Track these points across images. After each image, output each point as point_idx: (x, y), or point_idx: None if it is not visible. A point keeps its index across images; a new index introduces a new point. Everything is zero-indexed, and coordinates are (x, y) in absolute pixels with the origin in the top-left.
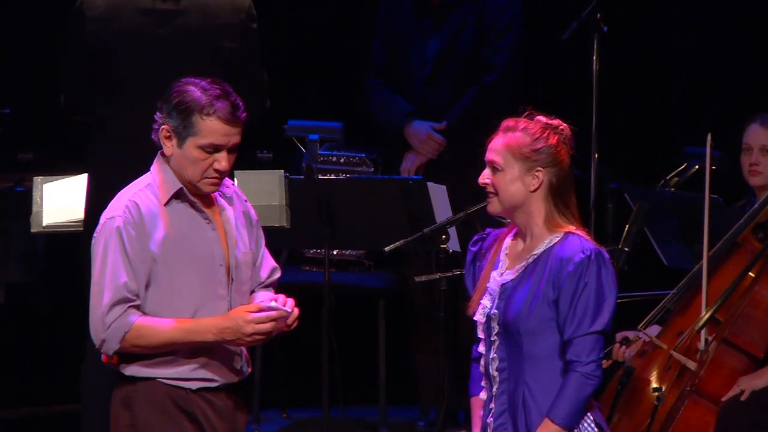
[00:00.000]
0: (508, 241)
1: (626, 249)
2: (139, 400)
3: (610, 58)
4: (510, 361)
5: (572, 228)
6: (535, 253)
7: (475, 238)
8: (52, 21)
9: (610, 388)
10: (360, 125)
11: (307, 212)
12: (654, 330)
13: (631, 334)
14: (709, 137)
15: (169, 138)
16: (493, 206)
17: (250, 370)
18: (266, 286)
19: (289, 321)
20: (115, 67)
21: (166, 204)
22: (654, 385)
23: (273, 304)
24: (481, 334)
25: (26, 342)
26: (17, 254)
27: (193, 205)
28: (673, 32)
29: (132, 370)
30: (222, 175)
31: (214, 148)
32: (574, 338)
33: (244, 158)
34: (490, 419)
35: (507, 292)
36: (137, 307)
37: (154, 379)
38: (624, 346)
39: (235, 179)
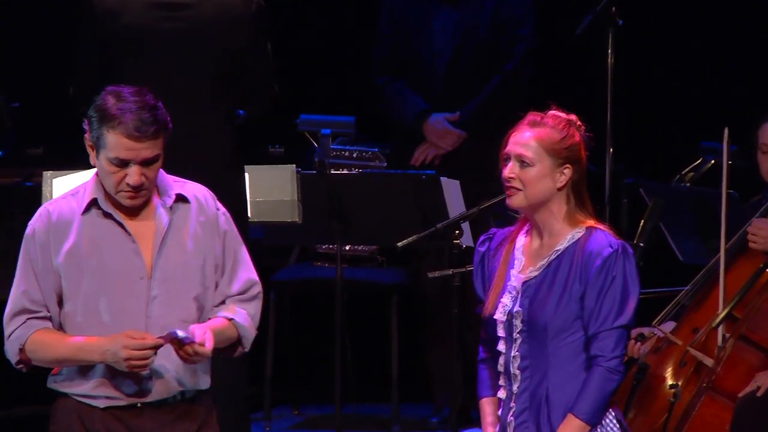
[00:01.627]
0: (521, 239)
1: (641, 244)
2: (54, 416)
3: (624, 52)
4: (533, 358)
5: (593, 222)
6: (557, 249)
7: (482, 238)
8: (61, 14)
9: (624, 385)
10: (372, 120)
11: (319, 207)
12: (669, 326)
13: (645, 331)
14: (725, 132)
15: (90, 148)
16: (518, 201)
17: (208, 383)
18: (243, 301)
19: (187, 351)
20: (125, 60)
21: (84, 213)
22: (670, 381)
23: (179, 333)
24: (501, 333)
25: None
26: None
27: (110, 216)
28: (688, 26)
29: (51, 383)
30: (137, 189)
31: (121, 162)
32: (599, 333)
33: (256, 153)
34: (510, 417)
35: (530, 289)
36: (46, 318)
37: (67, 395)
38: (639, 343)
39: (246, 174)
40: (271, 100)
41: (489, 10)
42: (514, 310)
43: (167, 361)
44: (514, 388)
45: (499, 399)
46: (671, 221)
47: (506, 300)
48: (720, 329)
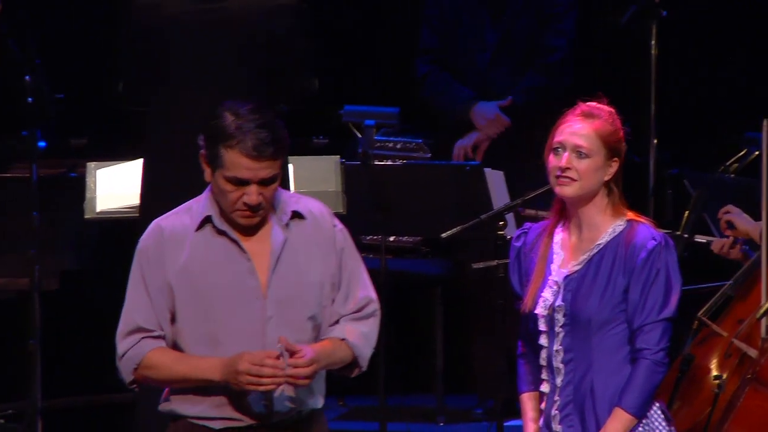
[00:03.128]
0: (558, 233)
1: (685, 235)
2: None
3: (668, 42)
4: (577, 351)
5: (633, 215)
6: (599, 242)
7: (517, 233)
8: (104, 4)
9: (669, 376)
10: (416, 111)
11: (363, 198)
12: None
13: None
14: (765, 123)
15: (206, 164)
16: (571, 191)
17: (322, 402)
18: (357, 319)
19: (288, 373)
20: (167, 53)
21: (197, 230)
22: (714, 373)
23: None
24: (542, 327)
25: (80, 330)
26: (71, 241)
27: (225, 234)
28: (733, 16)
29: (164, 406)
30: (253, 208)
31: (239, 182)
32: (644, 326)
33: (300, 144)
34: (555, 411)
35: (573, 283)
36: (159, 338)
37: (181, 416)
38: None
39: (291, 165)
40: (310, 95)
41: (532, 5)
42: (557, 304)
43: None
44: (558, 381)
45: (542, 393)
46: (715, 212)
47: (547, 294)
48: (763, 321)
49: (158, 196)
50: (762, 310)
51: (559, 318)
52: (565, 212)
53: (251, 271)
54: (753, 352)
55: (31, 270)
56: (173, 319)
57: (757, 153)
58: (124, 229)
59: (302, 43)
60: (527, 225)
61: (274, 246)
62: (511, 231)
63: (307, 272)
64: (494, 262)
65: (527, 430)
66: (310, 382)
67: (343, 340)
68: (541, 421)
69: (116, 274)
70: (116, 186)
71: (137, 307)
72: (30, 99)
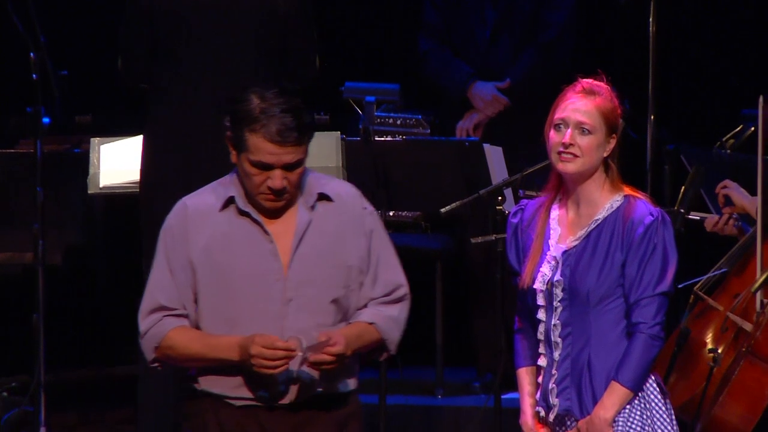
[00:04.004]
0: (556, 209)
1: (682, 210)
2: (189, 414)
3: (667, 19)
4: (574, 326)
5: (629, 191)
6: (597, 218)
7: (514, 209)
8: None
9: (666, 350)
10: (417, 87)
11: (363, 174)
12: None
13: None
14: (761, 100)
15: (231, 146)
16: (573, 167)
17: (349, 386)
18: (387, 303)
19: (310, 359)
20: (173, 30)
21: (221, 209)
22: (710, 346)
23: (304, 343)
24: (540, 302)
25: (84, 303)
26: (75, 216)
27: (247, 215)
28: None
29: (189, 384)
30: (277, 192)
31: (263, 166)
32: (641, 300)
33: None
34: (552, 384)
35: (571, 258)
36: (181, 316)
37: (203, 393)
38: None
39: None
40: (313, 75)
41: None
42: (555, 279)
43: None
44: (555, 355)
45: (540, 366)
46: (712, 187)
47: (545, 269)
48: (758, 295)
49: (157, 171)
50: (757, 285)
51: (558, 293)
52: (562, 188)
53: (273, 253)
54: (748, 326)
55: (35, 245)
56: (195, 299)
57: (753, 129)
58: (127, 204)
59: (307, 22)
60: (524, 202)
61: (298, 227)
62: (509, 206)
63: (332, 254)
64: (493, 237)
65: (524, 404)
66: (334, 367)
67: (371, 323)
68: (539, 394)
69: (119, 248)
70: (119, 161)
71: (160, 285)
72: (34, 76)
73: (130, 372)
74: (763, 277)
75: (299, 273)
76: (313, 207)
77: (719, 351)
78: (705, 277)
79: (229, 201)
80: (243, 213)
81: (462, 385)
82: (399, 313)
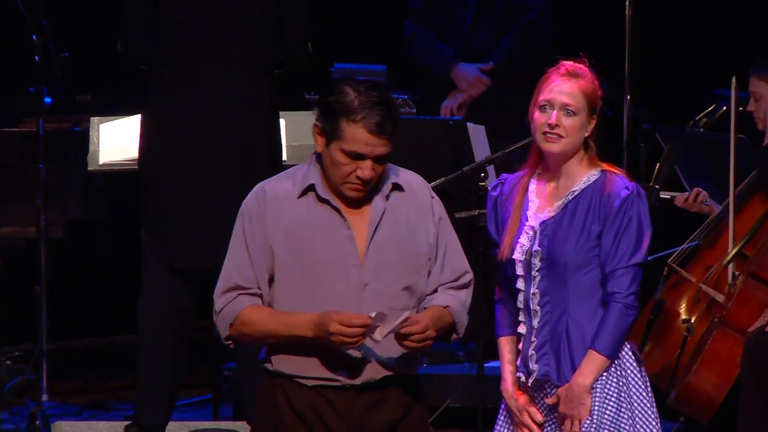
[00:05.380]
0: (534, 183)
1: (657, 187)
2: (261, 392)
3: (643, 1)
4: (553, 294)
5: (605, 166)
6: (574, 190)
7: (494, 183)
8: None
9: (641, 319)
10: (403, 68)
11: None
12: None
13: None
14: (733, 80)
15: (319, 135)
16: (559, 147)
17: (416, 369)
18: (455, 288)
19: (401, 331)
20: (173, 12)
21: (299, 197)
22: (683, 316)
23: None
24: (519, 272)
25: (85, 275)
26: (76, 192)
27: (327, 202)
28: None
29: (264, 366)
30: (365, 182)
31: (357, 156)
32: (616, 270)
33: (292, 100)
34: (532, 351)
35: (549, 228)
36: (256, 296)
37: (275, 372)
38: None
39: (283, 120)
40: (307, 59)
41: None
42: (534, 249)
43: (376, 345)
44: (535, 323)
45: (519, 334)
46: (686, 165)
47: (524, 240)
48: (730, 267)
49: (156, 150)
50: (729, 257)
51: (536, 262)
52: (541, 164)
53: (351, 239)
54: (720, 297)
55: (38, 219)
56: (270, 281)
57: (725, 108)
58: (125, 181)
59: (300, 7)
60: (504, 176)
61: (373, 215)
62: (492, 182)
63: (405, 242)
64: (476, 212)
65: (504, 372)
66: (421, 346)
67: (446, 307)
68: (519, 360)
69: (118, 222)
70: (118, 140)
71: (237, 265)
72: (37, 58)
73: (129, 341)
74: (735, 249)
75: (375, 259)
76: (387, 196)
77: (692, 321)
78: (678, 249)
79: (309, 188)
80: (323, 200)
81: (446, 353)
82: (466, 297)
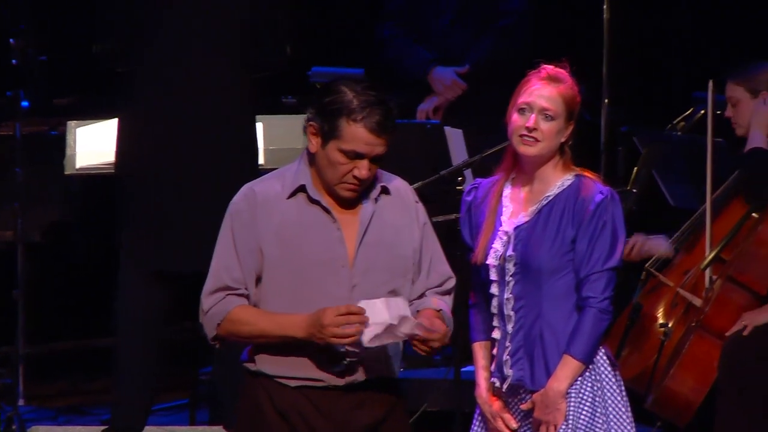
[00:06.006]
0: (508, 187)
1: (635, 190)
2: (244, 393)
3: (620, 3)
4: (527, 299)
5: (579, 170)
6: (548, 194)
7: (468, 188)
8: None
9: (619, 324)
10: (380, 72)
11: None
12: (662, 241)
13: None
14: (710, 84)
15: (314, 135)
16: (535, 150)
17: (397, 371)
18: (441, 293)
19: (428, 343)
20: (149, 15)
21: (289, 197)
22: (661, 321)
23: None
24: (493, 277)
25: (61, 280)
26: (53, 195)
27: (317, 203)
28: None
29: (248, 366)
30: (361, 182)
31: (356, 155)
32: (590, 275)
33: (270, 104)
34: (506, 356)
35: (523, 233)
36: (243, 296)
37: (259, 373)
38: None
39: (260, 123)
40: (284, 62)
41: None
42: (507, 254)
43: (359, 346)
44: (509, 328)
45: (494, 339)
46: (664, 168)
47: (498, 245)
48: (707, 271)
49: (133, 152)
50: (706, 262)
51: (510, 267)
52: (516, 168)
53: (341, 240)
54: (698, 302)
55: (15, 223)
56: (257, 282)
57: (703, 112)
58: (102, 184)
59: (279, 10)
60: (478, 180)
61: (363, 217)
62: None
63: (393, 245)
64: (453, 216)
65: (478, 377)
66: (439, 345)
67: (439, 311)
68: (493, 365)
69: (95, 225)
70: (95, 143)
71: (226, 266)
72: (14, 61)
73: (106, 345)
74: (713, 254)
75: (364, 260)
76: (376, 199)
77: (670, 325)
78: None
79: (299, 189)
80: (313, 201)
81: (423, 358)
82: (450, 303)
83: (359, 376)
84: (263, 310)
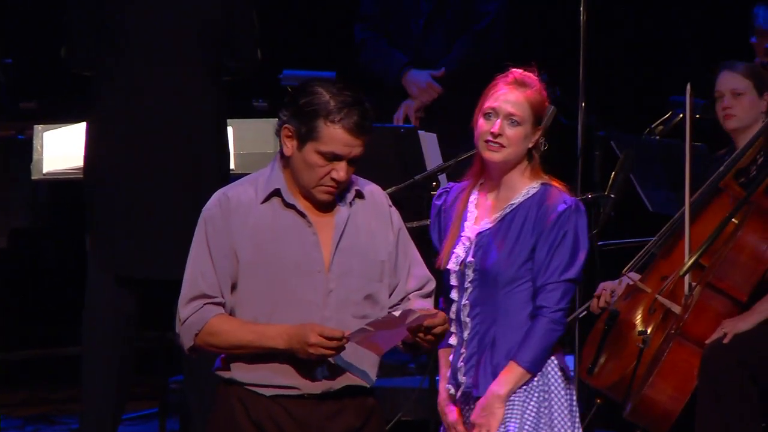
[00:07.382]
0: (475, 193)
1: (612, 195)
2: (217, 402)
3: (597, 7)
4: (483, 306)
5: (547, 179)
6: (512, 202)
7: (439, 192)
8: None
9: (596, 330)
10: (353, 75)
11: None
12: (634, 277)
13: (610, 285)
14: (688, 87)
15: (290, 138)
16: (500, 156)
17: (374, 380)
18: (423, 297)
19: (433, 330)
20: (118, 18)
21: (263, 202)
22: (639, 328)
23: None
24: (453, 282)
25: (29, 286)
26: (20, 200)
27: (292, 207)
28: None
29: (221, 373)
30: (339, 184)
31: (334, 157)
32: (546, 285)
33: (240, 107)
34: (460, 363)
35: (484, 240)
36: (220, 305)
37: (232, 382)
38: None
39: (231, 128)
40: (255, 66)
41: None
42: (467, 260)
43: (336, 354)
44: (465, 335)
45: (451, 345)
46: (641, 172)
47: (459, 251)
48: (687, 278)
49: (102, 157)
50: (685, 268)
51: (469, 273)
52: (484, 174)
53: (316, 245)
54: (677, 308)
55: None
56: (233, 288)
57: (681, 116)
58: (70, 189)
59: (249, 15)
60: (449, 185)
61: (338, 222)
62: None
63: (368, 249)
64: (427, 221)
65: (440, 385)
66: (441, 330)
67: None
68: (449, 372)
69: (63, 231)
70: (62, 148)
71: (202, 273)
72: None
73: (74, 352)
74: (692, 260)
75: (340, 265)
76: (351, 203)
77: (648, 332)
78: (634, 260)
79: (273, 193)
80: (288, 205)
81: (398, 366)
82: (431, 305)
83: (335, 384)
84: (242, 320)
